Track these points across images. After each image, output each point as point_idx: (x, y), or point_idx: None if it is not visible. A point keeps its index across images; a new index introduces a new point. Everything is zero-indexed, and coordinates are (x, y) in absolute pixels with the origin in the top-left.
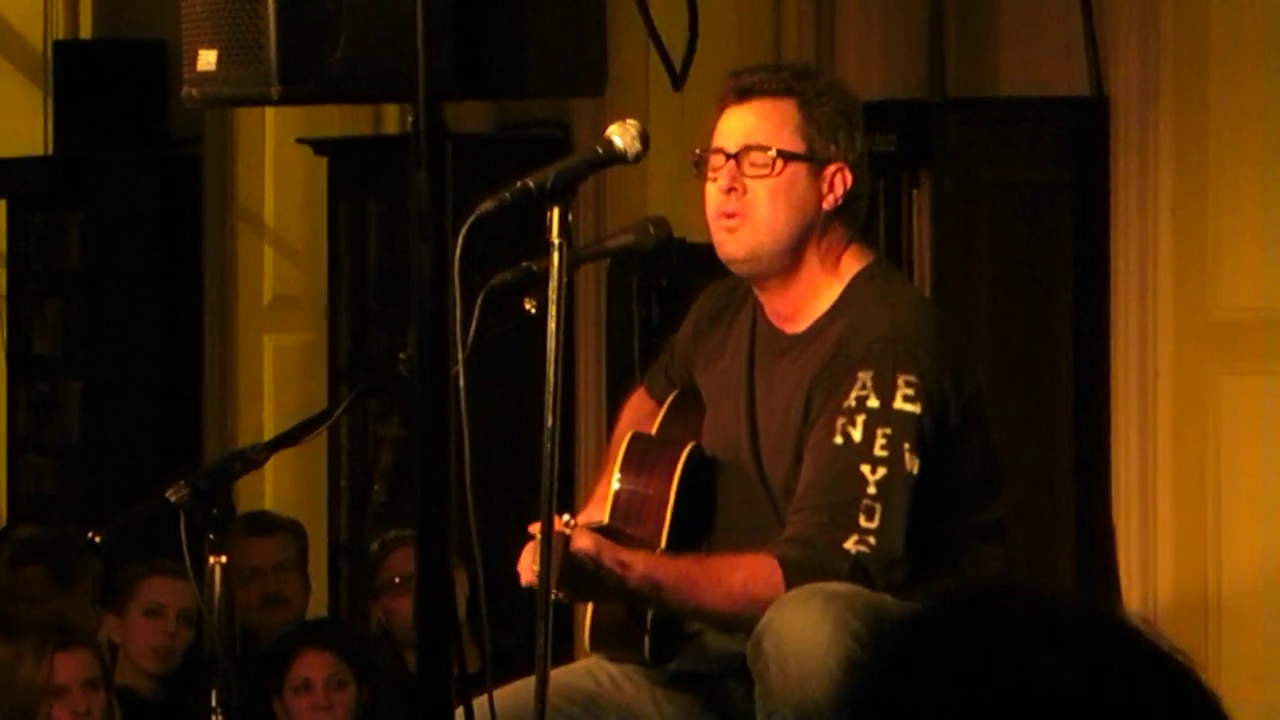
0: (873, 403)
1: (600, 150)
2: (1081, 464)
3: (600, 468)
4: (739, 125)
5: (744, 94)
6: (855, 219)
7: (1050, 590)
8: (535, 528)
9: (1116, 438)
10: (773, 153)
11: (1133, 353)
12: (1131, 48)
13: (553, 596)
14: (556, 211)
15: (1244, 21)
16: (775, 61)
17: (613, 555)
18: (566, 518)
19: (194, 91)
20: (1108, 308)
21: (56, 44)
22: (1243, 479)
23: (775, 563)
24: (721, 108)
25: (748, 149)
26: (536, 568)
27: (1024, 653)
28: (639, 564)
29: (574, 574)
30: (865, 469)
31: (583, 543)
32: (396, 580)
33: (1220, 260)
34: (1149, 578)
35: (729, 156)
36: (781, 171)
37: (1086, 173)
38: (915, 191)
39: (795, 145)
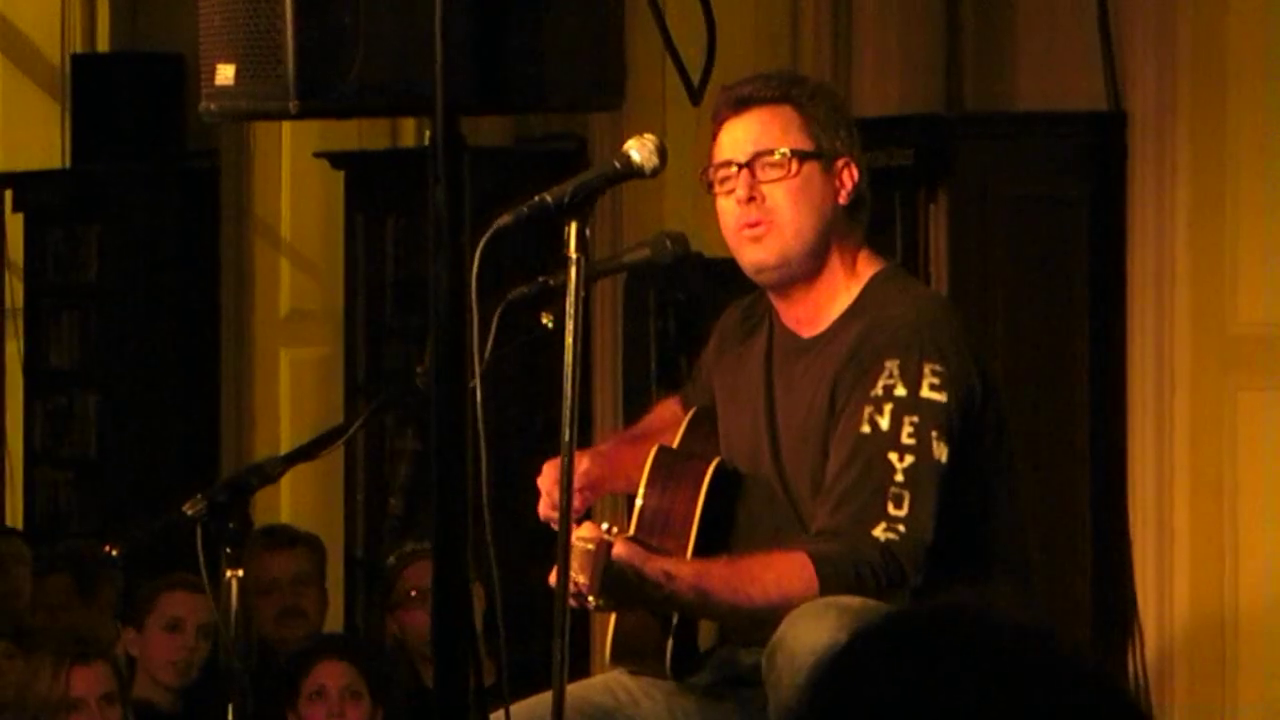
0: (900, 391)
1: (618, 165)
2: (1098, 478)
3: (632, 426)
4: (744, 134)
5: (741, 105)
6: (863, 216)
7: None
8: (572, 540)
9: (1133, 452)
10: (786, 151)
11: (1149, 368)
12: (1149, 62)
13: (592, 604)
14: (574, 226)
15: (1261, 36)
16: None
17: (652, 563)
18: (606, 525)
19: (212, 105)
20: (1125, 323)
21: (74, 57)
22: (1259, 493)
23: (807, 558)
24: (719, 122)
25: (759, 154)
26: (580, 577)
27: (960, 670)
28: (675, 570)
29: (613, 581)
30: (893, 457)
31: (622, 550)
32: (413, 593)
33: (1237, 275)
34: (1165, 592)
35: (741, 166)
36: (798, 171)
37: (1104, 187)
38: (932, 206)
39: (804, 144)
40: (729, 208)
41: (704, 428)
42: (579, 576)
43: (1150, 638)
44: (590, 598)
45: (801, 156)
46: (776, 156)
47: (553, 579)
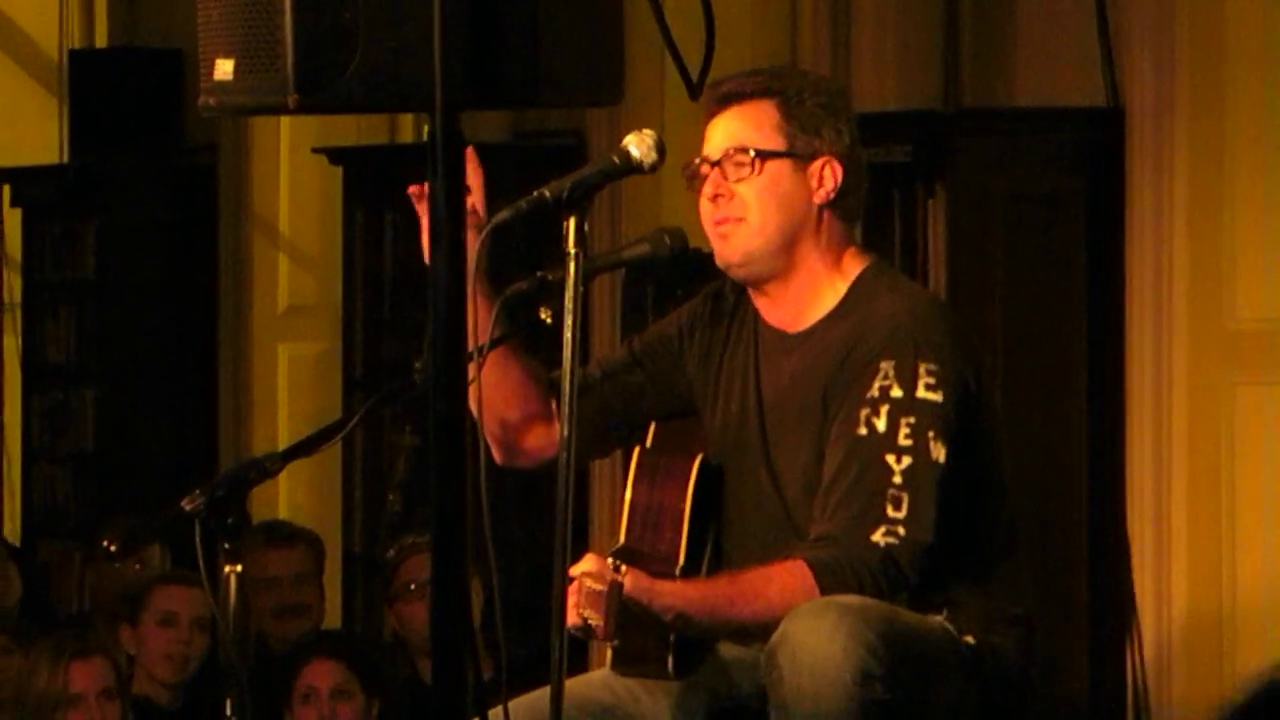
0: (896, 392)
1: (616, 160)
2: (1096, 475)
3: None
4: (722, 132)
5: (724, 101)
6: (851, 212)
7: None
8: (576, 569)
9: (1131, 448)
10: (751, 153)
11: (1147, 363)
12: (1147, 59)
13: (613, 643)
14: (572, 221)
15: (1259, 32)
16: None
17: (659, 593)
18: (611, 561)
19: (211, 100)
20: (1123, 319)
21: (72, 53)
22: (1258, 489)
23: (806, 567)
24: (706, 119)
25: (729, 153)
26: (584, 611)
27: None
28: (678, 597)
29: (627, 620)
30: (890, 458)
31: (631, 586)
32: (412, 586)
33: (1235, 271)
34: (1163, 588)
35: (713, 164)
36: (762, 169)
37: (1101, 184)
38: (930, 202)
39: (775, 143)
40: (704, 205)
41: (675, 425)
42: (593, 619)
43: (1148, 634)
44: (606, 641)
45: (766, 156)
46: (742, 156)
47: (568, 620)
